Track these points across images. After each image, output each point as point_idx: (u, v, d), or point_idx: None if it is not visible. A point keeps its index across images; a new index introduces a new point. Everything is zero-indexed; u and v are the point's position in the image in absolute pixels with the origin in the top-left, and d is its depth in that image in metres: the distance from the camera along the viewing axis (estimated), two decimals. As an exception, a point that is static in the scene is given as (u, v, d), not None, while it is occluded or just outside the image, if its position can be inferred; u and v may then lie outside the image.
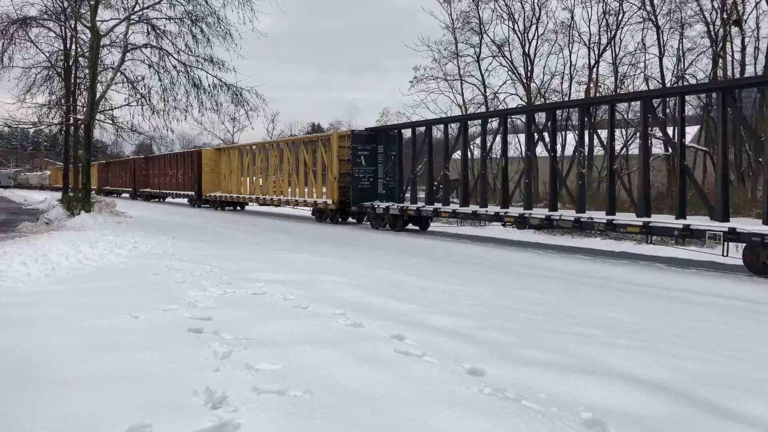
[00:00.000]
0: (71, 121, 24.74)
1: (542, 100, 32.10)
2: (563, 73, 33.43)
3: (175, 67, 21.35)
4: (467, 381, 3.80)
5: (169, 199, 43.03)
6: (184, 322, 5.15)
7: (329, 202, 23.35)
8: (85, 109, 21.82)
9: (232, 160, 32.74)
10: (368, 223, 22.71)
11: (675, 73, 29.15)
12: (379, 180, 22.11)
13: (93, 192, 51.32)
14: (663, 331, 6.42)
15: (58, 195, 31.92)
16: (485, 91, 34.67)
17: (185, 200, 39.50)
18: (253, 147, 30.82)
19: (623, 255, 14.71)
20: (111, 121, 23.42)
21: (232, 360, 4.07)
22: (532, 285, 9.93)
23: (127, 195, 50.52)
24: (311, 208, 25.44)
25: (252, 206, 34.48)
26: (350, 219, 24.01)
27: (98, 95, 21.33)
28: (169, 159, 41.33)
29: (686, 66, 28.93)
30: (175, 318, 5.34)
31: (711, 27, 27.25)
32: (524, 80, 33.33)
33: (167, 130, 22.52)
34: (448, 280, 9.75)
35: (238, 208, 33.97)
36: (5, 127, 24.32)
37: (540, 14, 32.94)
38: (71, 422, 3.00)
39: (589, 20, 43.46)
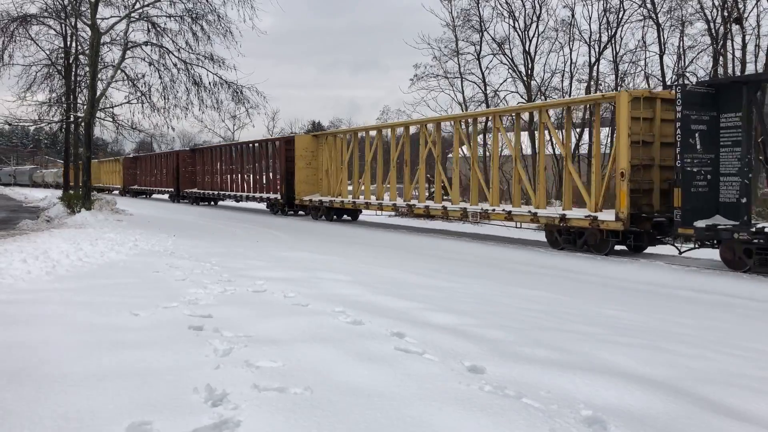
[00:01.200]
0: (72, 119, 24.74)
1: (543, 98, 32.07)
2: (564, 71, 33.37)
3: (175, 64, 21.36)
4: (467, 379, 3.80)
5: (229, 203, 35.28)
6: (184, 320, 5.16)
7: (606, 217, 13.53)
8: (85, 106, 21.82)
9: (339, 151, 23.62)
10: (673, 252, 13.78)
11: (675, 71, 29.12)
12: (725, 179, 11.97)
13: (117, 193, 47.52)
14: (663, 329, 6.42)
15: (59, 193, 31.84)
16: (486, 89, 34.66)
17: (258, 204, 30.90)
18: (385, 130, 21.78)
19: (623, 253, 14.70)
20: (111, 119, 23.45)
21: (232, 357, 4.07)
22: (533, 283, 9.93)
23: (165, 196, 41.63)
24: (543, 227, 15.87)
25: (371, 217, 25.82)
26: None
27: (98, 93, 21.34)
28: (230, 151, 31.99)
29: (687, 64, 28.91)
30: (176, 315, 5.35)
31: (712, 25, 27.23)
32: (525, 78, 33.30)
33: (168, 127, 22.53)
34: (449, 277, 9.76)
35: (346, 216, 24.42)
36: (6, 125, 24.32)
37: (540, 12, 32.87)
38: (72, 420, 3.00)
39: (590, 18, 43.41)
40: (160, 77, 21.56)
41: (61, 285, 6.98)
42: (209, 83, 21.33)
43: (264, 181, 28.14)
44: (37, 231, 15.40)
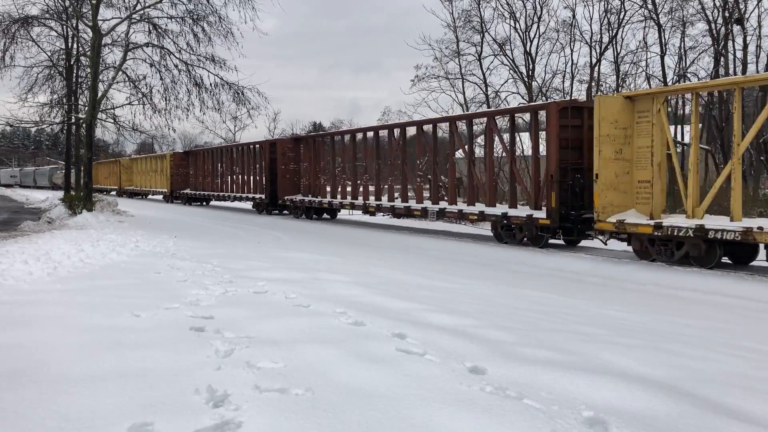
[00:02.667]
0: (73, 120, 24.78)
1: (544, 99, 32.09)
2: (564, 71, 33.37)
3: (176, 66, 21.43)
4: (468, 379, 3.80)
5: (379, 219, 24.14)
6: (185, 321, 5.16)
7: None
8: (86, 108, 21.87)
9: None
10: None
11: (677, 71, 29.12)
12: None
13: (162, 196, 39.98)
14: (664, 330, 6.42)
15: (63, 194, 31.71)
16: (487, 90, 34.66)
17: (464, 227, 20.85)
18: None
19: (624, 254, 14.69)
20: (113, 120, 23.51)
21: (233, 358, 4.07)
22: (534, 283, 9.93)
23: (241, 204, 32.44)
24: None
25: None
26: None
27: (100, 94, 21.37)
28: (385, 137, 20.89)
29: (688, 65, 28.91)
30: (177, 317, 5.35)
31: (713, 25, 27.22)
32: (526, 79, 33.30)
33: (169, 129, 22.60)
34: (450, 278, 9.76)
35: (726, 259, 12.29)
36: (7, 126, 24.36)
37: (541, 13, 32.85)
38: (72, 420, 3.00)
39: (591, 19, 43.42)
40: (161, 78, 21.64)
41: (62, 286, 6.99)
42: (210, 84, 21.42)
43: (474, 185, 17.37)
44: (38, 232, 15.42)
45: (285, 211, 27.24)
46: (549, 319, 6.41)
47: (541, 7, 32.79)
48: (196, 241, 13.49)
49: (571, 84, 32.58)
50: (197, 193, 35.72)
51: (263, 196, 27.42)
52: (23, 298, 6.13)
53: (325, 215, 25.53)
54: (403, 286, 8.26)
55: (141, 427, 2.95)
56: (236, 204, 33.20)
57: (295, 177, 25.85)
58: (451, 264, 12.48)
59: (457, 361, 4.18)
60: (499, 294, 8.34)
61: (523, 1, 33.07)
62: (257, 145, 28.95)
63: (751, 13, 26.65)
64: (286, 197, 25.84)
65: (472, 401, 3.40)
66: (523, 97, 33.33)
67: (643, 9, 29.06)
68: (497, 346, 4.69)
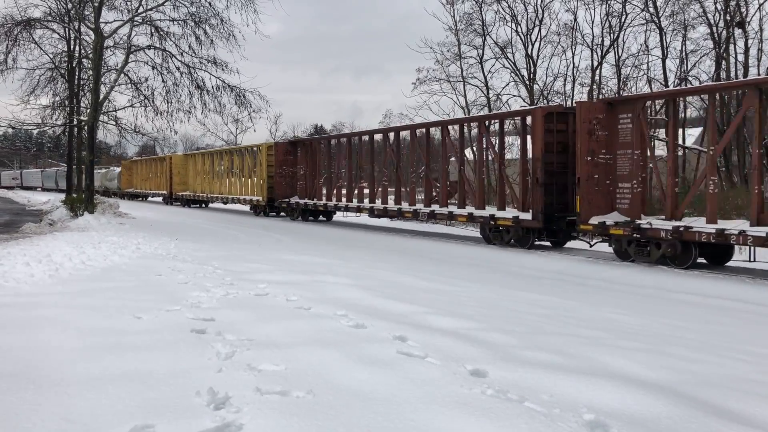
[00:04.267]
0: (75, 123, 24.81)
1: (545, 102, 32.11)
2: (566, 74, 33.36)
3: (178, 68, 21.47)
4: (470, 382, 3.80)
5: None
6: (186, 323, 5.16)
7: None
8: (88, 110, 21.91)
9: None
10: None
11: (678, 74, 29.13)
12: None
13: (249, 207, 28.37)
14: (665, 333, 6.41)
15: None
16: (488, 93, 34.66)
17: None
18: None
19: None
20: (114, 123, 23.53)
21: (234, 361, 4.08)
22: (535, 287, 9.92)
23: (418, 225, 21.88)
24: None
25: None
26: None
27: (102, 96, 21.42)
28: None
29: (689, 68, 28.91)
30: (178, 319, 5.35)
31: (714, 29, 27.22)
32: (527, 82, 33.31)
33: (171, 131, 22.65)
34: (450, 281, 9.75)
35: None
36: (9, 128, 24.42)
37: (543, 16, 32.85)
38: (74, 422, 3.01)
39: (592, 22, 43.19)
40: (163, 81, 21.70)
41: (63, 288, 7.00)
42: (212, 87, 21.45)
43: None
44: (40, 234, 15.43)
45: (547, 238, 15.45)
46: (550, 321, 6.41)
47: (543, 11, 32.82)
48: (197, 243, 13.47)
49: (573, 87, 32.60)
50: (319, 203, 23.24)
51: (519, 215, 14.94)
52: (24, 300, 6.13)
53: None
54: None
55: (142, 429, 2.95)
56: (406, 225, 21.92)
57: (608, 178, 13.12)
58: (448, 265, 12.46)
59: (458, 364, 4.18)
60: (500, 297, 8.33)
61: (524, 4, 33.10)
62: (512, 118, 16.10)
63: (752, 16, 26.67)
64: (600, 219, 12.95)
65: (473, 404, 3.40)
66: (524, 100, 33.35)
67: (644, 12, 29.09)
68: (498, 348, 4.69)
